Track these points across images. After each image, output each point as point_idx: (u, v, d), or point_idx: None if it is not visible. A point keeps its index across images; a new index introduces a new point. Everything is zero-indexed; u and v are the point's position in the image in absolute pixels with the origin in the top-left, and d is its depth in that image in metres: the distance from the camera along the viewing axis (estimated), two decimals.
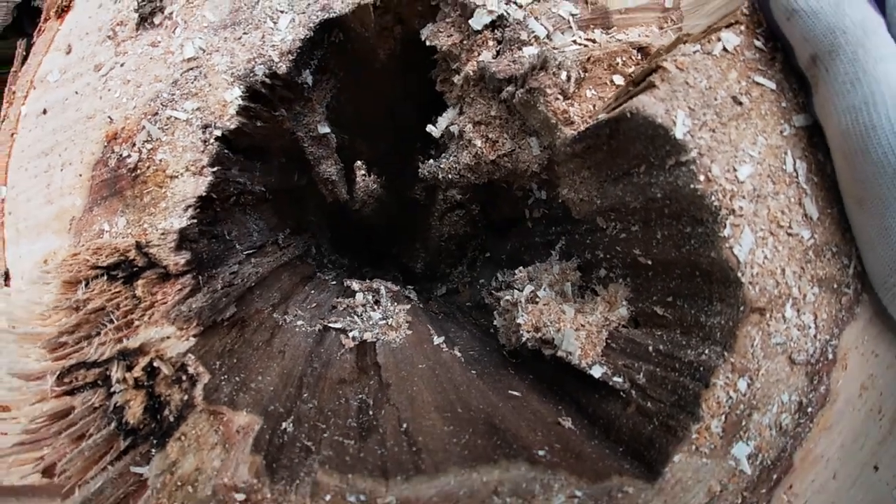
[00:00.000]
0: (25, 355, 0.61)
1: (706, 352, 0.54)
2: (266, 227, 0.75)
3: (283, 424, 0.61)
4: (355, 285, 0.80)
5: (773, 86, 0.53)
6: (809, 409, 0.54)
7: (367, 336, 0.72)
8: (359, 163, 0.98)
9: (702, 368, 0.54)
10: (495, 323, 0.74)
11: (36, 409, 0.59)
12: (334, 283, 0.83)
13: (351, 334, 0.73)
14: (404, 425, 0.60)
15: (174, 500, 0.57)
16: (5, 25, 1.51)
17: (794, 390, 0.53)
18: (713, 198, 0.52)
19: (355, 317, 0.76)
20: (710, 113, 0.52)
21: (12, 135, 0.67)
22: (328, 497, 0.54)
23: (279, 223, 0.78)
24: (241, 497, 0.56)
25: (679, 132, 0.51)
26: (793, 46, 0.52)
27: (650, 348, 0.59)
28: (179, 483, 0.58)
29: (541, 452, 0.55)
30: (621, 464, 0.56)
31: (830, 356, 0.54)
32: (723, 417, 0.53)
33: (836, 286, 0.54)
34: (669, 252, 0.57)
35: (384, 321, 0.74)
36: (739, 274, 0.52)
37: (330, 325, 0.74)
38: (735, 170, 0.52)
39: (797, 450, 0.54)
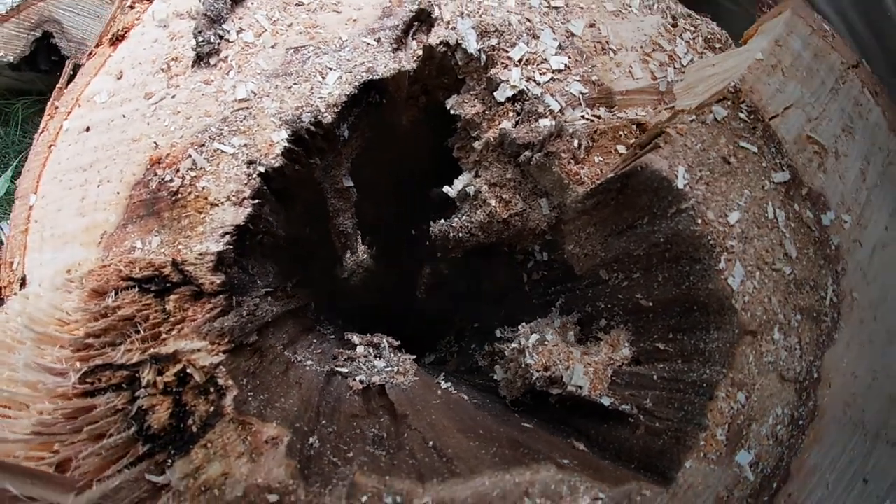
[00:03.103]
0: (41, 356, 0.68)
1: (707, 371, 0.68)
2: (280, 272, 0.86)
3: (311, 440, 0.69)
4: (356, 339, 0.90)
5: (754, 149, 0.72)
6: (801, 422, 0.68)
7: (375, 380, 0.82)
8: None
9: (705, 384, 0.67)
10: (496, 376, 0.86)
11: (55, 403, 0.66)
12: (332, 336, 0.93)
13: (358, 378, 0.82)
14: (430, 443, 0.70)
15: (199, 502, 0.64)
16: (22, 57, 1.64)
17: (786, 404, 0.67)
18: (709, 237, 0.68)
19: (359, 366, 0.86)
20: (704, 169, 0.70)
21: (50, 147, 0.78)
22: (364, 498, 0.63)
23: (289, 272, 0.89)
24: (274, 498, 0.63)
25: (680, 183, 0.69)
26: None
27: (654, 377, 0.72)
28: (204, 488, 0.65)
29: (565, 461, 0.66)
30: (636, 474, 0.67)
31: (815, 375, 0.69)
32: (726, 426, 0.66)
33: (815, 314, 0.70)
34: (670, 291, 0.72)
35: (390, 368, 0.85)
36: (734, 301, 0.68)
37: (337, 368, 0.84)
38: (726, 215, 0.69)
39: (793, 460, 0.67)
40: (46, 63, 1.74)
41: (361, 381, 0.82)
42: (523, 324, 0.86)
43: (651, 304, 0.75)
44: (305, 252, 0.95)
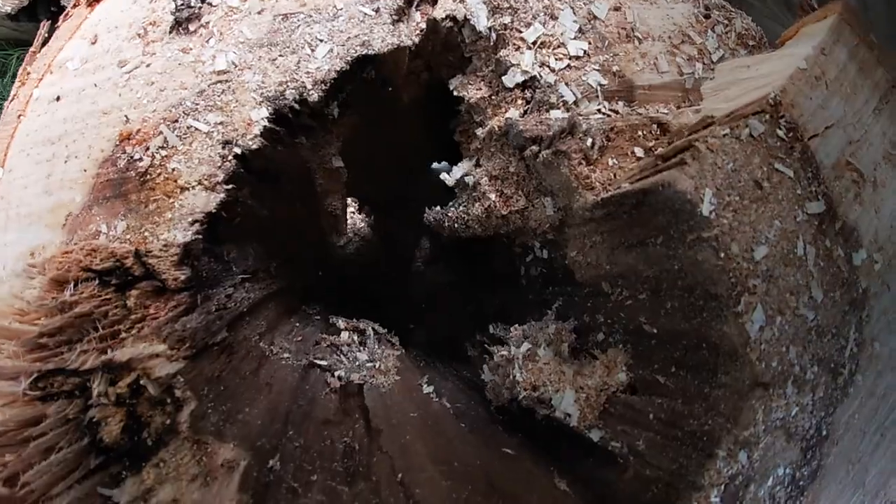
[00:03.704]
0: None
1: (710, 422, 0.59)
2: (263, 252, 0.77)
3: (270, 462, 0.62)
4: (341, 323, 0.82)
5: (790, 174, 0.61)
6: (801, 483, 0.60)
7: (354, 377, 0.74)
8: (349, 199, 1.02)
9: (705, 438, 0.59)
10: (483, 377, 0.78)
11: (3, 411, 0.58)
12: (318, 317, 0.84)
13: (336, 374, 0.74)
14: (399, 475, 0.62)
15: None
16: (21, 7, 1.55)
17: (789, 464, 0.59)
18: (731, 275, 0.58)
19: (341, 356, 0.77)
20: (733, 194, 0.59)
21: (19, 116, 0.67)
22: None
23: (273, 252, 0.80)
24: None
25: (706, 209, 0.58)
26: None
27: (651, 416, 0.64)
28: None
29: None
30: None
31: (824, 432, 0.60)
32: (722, 487, 0.58)
33: (833, 366, 0.61)
34: (678, 323, 0.63)
35: (371, 364, 0.76)
36: (748, 349, 0.58)
37: (316, 361, 0.76)
38: (752, 250, 0.59)
39: None
40: (46, 13, 1.64)
41: (340, 378, 0.74)
42: (516, 325, 0.77)
43: (655, 330, 0.66)
44: (295, 229, 0.84)
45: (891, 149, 0.65)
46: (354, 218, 1.10)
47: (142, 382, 0.61)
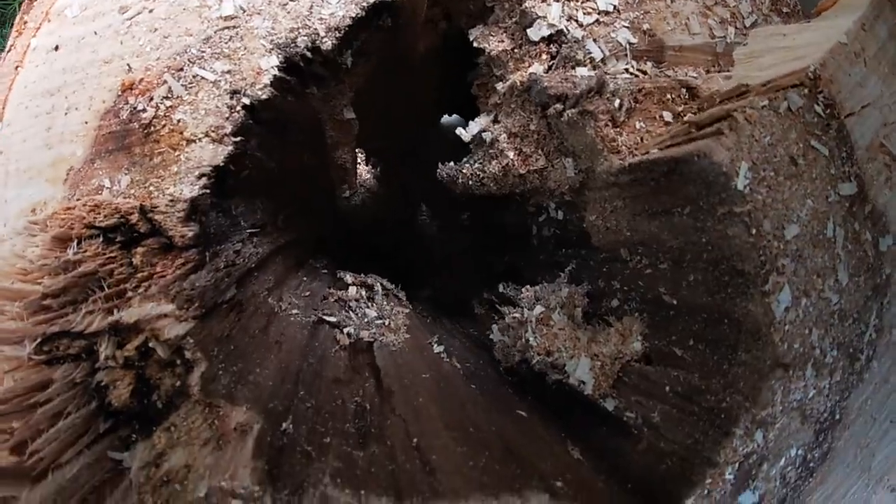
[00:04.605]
0: (1, 312, 0.56)
1: (728, 399, 0.57)
2: (271, 205, 0.72)
3: (283, 425, 0.59)
4: (349, 278, 0.78)
5: (826, 152, 0.57)
6: (811, 465, 0.58)
7: (364, 334, 0.71)
8: (357, 150, 0.96)
9: (723, 415, 0.57)
10: (492, 337, 0.75)
11: (9, 377, 0.54)
12: (325, 271, 0.81)
13: (346, 330, 0.71)
14: (414, 440, 0.60)
15: (159, 497, 0.54)
16: None
17: (802, 445, 0.58)
18: (761, 253, 0.54)
19: (350, 312, 0.74)
20: (769, 169, 0.55)
21: (16, 67, 0.61)
22: None
23: (281, 204, 0.75)
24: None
25: (741, 183, 0.54)
26: None
27: (666, 388, 0.61)
28: (166, 479, 0.55)
29: (559, 483, 0.57)
30: (631, 498, 0.58)
31: (837, 416, 0.59)
32: (736, 465, 0.56)
33: (851, 351, 0.59)
34: (700, 296, 0.60)
35: (381, 321, 0.73)
36: (772, 330, 0.55)
37: (324, 317, 0.72)
38: (783, 228, 0.55)
39: (795, 502, 0.58)
40: None
41: (349, 335, 0.71)
42: (527, 287, 0.74)
43: (675, 301, 0.63)
44: (303, 180, 0.79)
45: None
46: (360, 169, 1.04)
47: (150, 345, 0.57)
